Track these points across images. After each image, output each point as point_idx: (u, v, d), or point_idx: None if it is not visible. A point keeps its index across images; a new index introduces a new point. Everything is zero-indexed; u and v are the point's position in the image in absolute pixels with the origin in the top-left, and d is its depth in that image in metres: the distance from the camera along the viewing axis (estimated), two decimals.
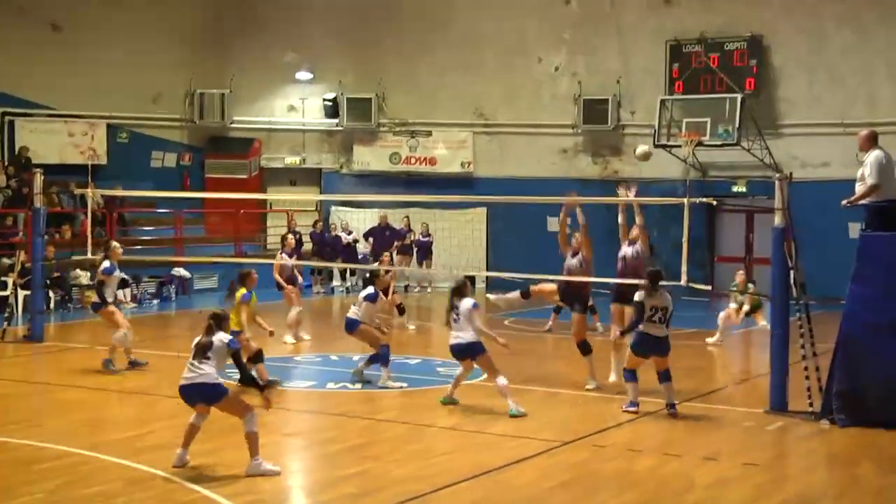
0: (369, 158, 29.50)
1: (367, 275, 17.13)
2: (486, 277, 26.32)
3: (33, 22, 25.69)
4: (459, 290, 11.83)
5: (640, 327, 11.77)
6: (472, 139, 28.91)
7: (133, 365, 14.28)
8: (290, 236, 20.09)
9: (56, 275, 21.45)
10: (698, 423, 11.65)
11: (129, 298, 22.63)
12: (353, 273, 26.66)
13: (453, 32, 28.49)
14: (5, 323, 17.72)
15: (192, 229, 27.40)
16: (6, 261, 21.46)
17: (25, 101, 26.17)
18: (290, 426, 11.35)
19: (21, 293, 19.78)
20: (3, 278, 20.54)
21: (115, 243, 15.30)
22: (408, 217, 27.07)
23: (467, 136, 29.00)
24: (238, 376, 9.59)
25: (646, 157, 15.95)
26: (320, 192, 29.56)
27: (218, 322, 9.39)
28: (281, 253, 18.15)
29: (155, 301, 23.45)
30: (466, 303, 11.74)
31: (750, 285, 19.12)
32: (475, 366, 12.05)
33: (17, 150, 25.60)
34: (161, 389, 13.16)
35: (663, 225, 26.36)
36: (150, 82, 27.89)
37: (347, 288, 26.81)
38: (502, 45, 28.29)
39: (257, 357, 12.68)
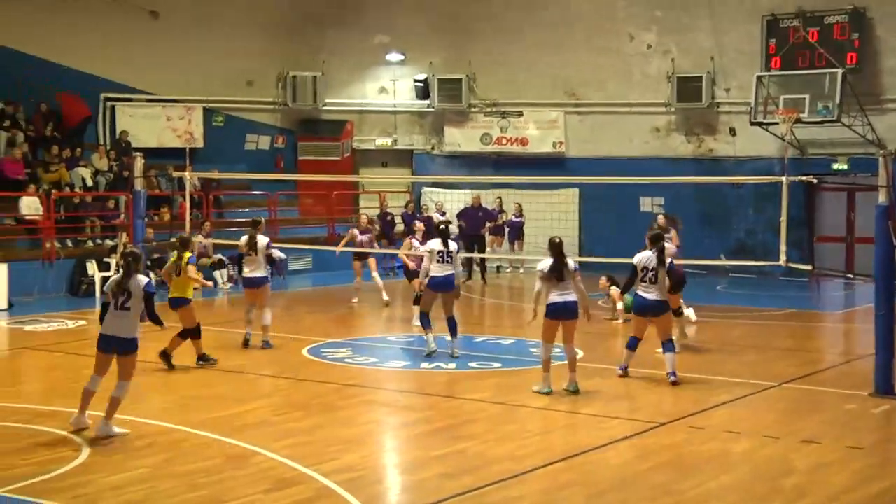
0: (460, 139, 29.50)
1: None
2: (578, 260, 26.24)
3: (133, 10, 26.24)
4: (563, 251, 11.72)
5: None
6: (564, 119, 28.70)
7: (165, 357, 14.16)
8: (364, 215, 20.88)
9: (156, 256, 21.89)
10: (798, 405, 11.43)
11: (226, 279, 23.01)
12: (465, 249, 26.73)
13: (544, 12, 28.27)
14: None
15: (285, 211, 27.77)
16: (109, 242, 22.02)
17: (125, 86, 26.79)
18: (385, 406, 11.44)
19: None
20: (106, 260, 21.06)
21: (195, 237, 15.56)
22: (500, 198, 27.01)
23: (558, 116, 28.80)
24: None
25: None
26: (411, 174, 29.68)
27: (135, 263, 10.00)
28: (411, 239, 18.41)
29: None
30: (571, 263, 11.70)
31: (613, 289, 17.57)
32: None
33: (117, 134, 26.23)
34: (258, 368, 13.41)
35: (759, 204, 25.97)
36: (245, 66, 28.31)
37: None
38: (593, 24, 28.01)
39: (198, 332, 12.98)
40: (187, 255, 13.11)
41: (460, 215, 25.74)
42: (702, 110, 26.99)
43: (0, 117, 23.55)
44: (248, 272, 14.95)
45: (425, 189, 29.26)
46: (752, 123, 25.17)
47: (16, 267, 19.45)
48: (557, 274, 11.55)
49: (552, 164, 28.10)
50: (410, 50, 29.52)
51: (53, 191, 21.96)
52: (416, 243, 17.96)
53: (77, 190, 23.03)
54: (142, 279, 9.86)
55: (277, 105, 29.34)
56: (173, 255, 13.38)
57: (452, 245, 14.05)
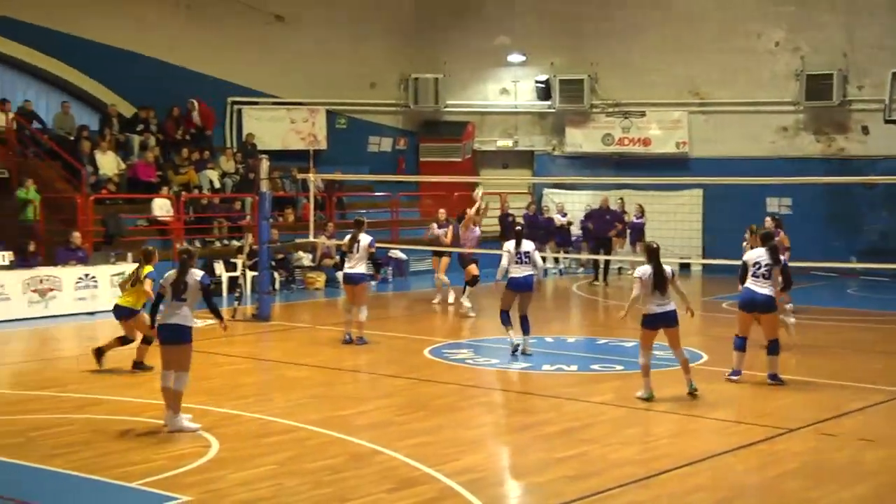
0: (581, 140, 29.27)
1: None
2: (703, 262, 25.86)
3: (259, 15, 26.80)
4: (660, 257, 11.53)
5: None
6: (687, 119, 28.24)
7: None
8: (442, 211, 21.02)
9: (280, 256, 22.32)
10: None
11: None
12: (566, 255, 26.55)
13: (668, 10, 27.88)
14: (236, 302, 18.65)
15: (407, 212, 27.97)
16: (235, 243, 22.52)
17: (251, 90, 27.36)
18: (506, 408, 11.40)
19: (249, 274, 20.67)
20: (233, 260, 21.54)
21: (321, 236, 15.75)
22: (622, 199, 26.70)
23: (682, 116, 28.34)
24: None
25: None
26: (532, 175, 29.58)
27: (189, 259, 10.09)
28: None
29: (373, 283, 24.01)
30: (668, 269, 11.49)
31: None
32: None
33: (244, 137, 26.81)
34: (379, 368, 13.52)
35: (893, 205, 25.09)
36: (367, 69, 28.64)
37: (560, 270, 26.71)
38: (719, 22, 27.47)
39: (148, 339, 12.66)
40: (148, 268, 12.76)
41: (588, 217, 25.48)
42: (832, 108, 26.24)
43: (133, 122, 24.32)
44: (347, 268, 15.14)
45: (546, 190, 29.13)
46: (887, 121, 24.34)
47: None
48: (656, 281, 11.28)
49: (675, 165, 27.67)
50: (531, 51, 29.42)
51: (183, 192, 22.57)
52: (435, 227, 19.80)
53: (205, 192, 23.62)
54: (197, 272, 10.16)
55: (399, 107, 29.60)
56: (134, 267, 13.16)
57: (528, 245, 14.13)
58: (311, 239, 19.99)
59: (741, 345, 12.33)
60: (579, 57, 28.70)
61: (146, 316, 12.15)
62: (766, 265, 12.06)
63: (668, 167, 27.33)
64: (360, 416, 10.61)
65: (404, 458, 8.89)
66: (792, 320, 15.11)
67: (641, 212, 26.52)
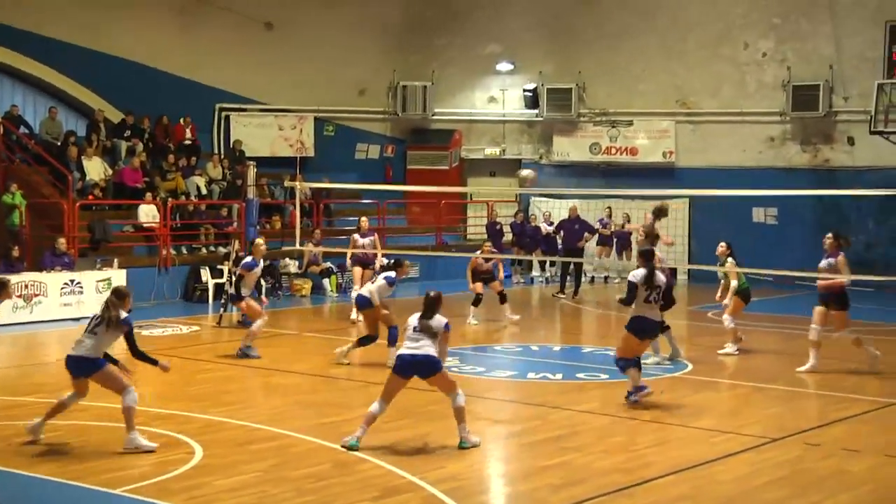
0: (569, 149, 29.35)
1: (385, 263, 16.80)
2: (689, 270, 25.92)
3: (247, 21, 26.81)
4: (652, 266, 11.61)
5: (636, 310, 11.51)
6: (675, 128, 28.34)
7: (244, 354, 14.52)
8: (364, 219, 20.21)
9: (267, 263, 22.26)
10: None
11: (333, 287, 23.25)
12: (552, 264, 26.56)
13: (655, 20, 28.00)
14: (222, 309, 18.64)
15: (394, 220, 27.99)
16: (222, 249, 22.49)
17: (239, 96, 27.37)
18: (491, 415, 11.41)
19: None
20: (219, 266, 21.51)
21: (259, 240, 15.57)
22: (609, 208, 26.77)
23: (669, 125, 28.45)
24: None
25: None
26: (520, 184, 29.58)
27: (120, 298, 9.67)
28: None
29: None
30: (661, 277, 11.68)
31: (729, 261, 15.42)
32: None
33: (231, 143, 26.80)
34: (365, 376, 13.50)
35: (881, 217, 25.21)
36: (356, 76, 28.67)
37: (547, 278, 26.75)
38: (707, 32, 27.62)
39: None
40: None
41: (558, 228, 25.46)
42: (818, 119, 26.38)
43: (121, 128, 24.29)
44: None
45: (534, 199, 29.16)
46: (873, 132, 24.48)
47: (133, 273, 19.98)
48: (648, 285, 11.38)
49: (662, 174, 27.75)
50: (520, 59, 29.50)
51: (170, 199, 22.53)
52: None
53: (192, 198, 23.59)
54: (122, 313, 9.62)
55: (388, 114, 29.63)
56: None
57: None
58: (298, 246, 19.99)
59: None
60: (567, 66, 28.78)
61: None
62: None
63: (655, 176, 27.40)
64: (346, 424, 10.57)
65: (389, 466, 8.89)
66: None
67: (627, 221, 26.60)
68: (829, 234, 13.90)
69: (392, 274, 14.26)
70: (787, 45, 26.87)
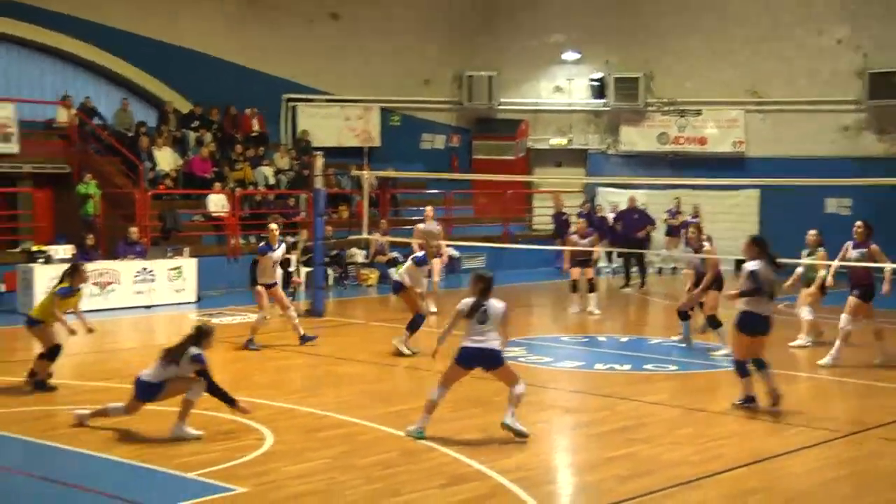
0: (636, 139, 29.13)
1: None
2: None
3: (315, 13, 27.00)
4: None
5: (746, 305, 10.76)
6: (744, 117, 27.96)
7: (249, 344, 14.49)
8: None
9: (334, 253, 22.44)
10: None
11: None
12: (619, 255, 26.36)
13: (725, 7, 27.63)
14: (290, 298, 18.76)
15: (460, 210, 28.01)
16: (290, 239, 22.66)
17: (306, 87, 27.58)
18: (559, 405, 11.37)
19: (303, 270, 20.81)
20: (287, 256, 21.66)
21: (272, 225, 15.23)
22: (678, 198, 26.49)
23: (739, 115, 28.09)
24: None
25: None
26: (586, 173, 29.46)
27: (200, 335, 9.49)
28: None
29: (425, 279, 24.02)
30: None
31: (820, 250, 14.89)
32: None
33: (298, 134, 27.01)
34: (432, 365, 13.51)
35: None
36: (422, 67, 28.72)
37: (614, 269, 26.56)
38: (778, 20, 27.19)
39: (53, 354, 11.69)
40: (63, 284, 11.94)
41: (617, 218, 25.23)
42: None
43: (189, 118, 24.61)
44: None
45: (600, 189, 28.99)
46: None
47: (203, 261, 20.27)
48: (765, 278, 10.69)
49: (731, 165, 27.43)
50: (586, 48, 29.32)
51: (238, 189, 22.77)
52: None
53: (260, 188, 23.82)
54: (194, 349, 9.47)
55: (453, 104, 29.64)
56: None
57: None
58: (365, 235, 20.09)
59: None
60: (635, 55, 28.53)
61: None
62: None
63: (724, 167, 27.09)
64: (413, 413, 10.60)
65: (456, 455, 8.91)
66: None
67: (696, 212, 26.27)
68: (859, 223, 13.58)
69: (420, 254, 14.37)
70: (863, 31, 26.35)
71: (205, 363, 9.41)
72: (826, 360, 13.27)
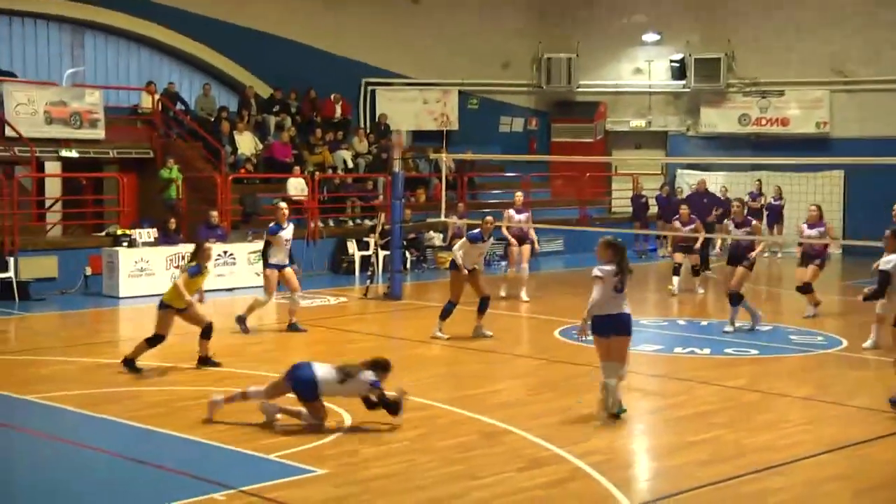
0: (717, 120, 28.72)
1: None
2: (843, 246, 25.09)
3: None
4: None
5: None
6: (829, 98, 27.39)
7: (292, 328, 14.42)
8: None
9: (412, 236, 22.53)
10: None
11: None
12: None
13: None
14: (368, 281, 18.96)
15: (538, 193, 27.90)
16: (368, 222, 22.84)
17: (385, 70, 27.69)
18: (638, 390, 11.30)
19: (381, 253, 20.93)
20: (365, 239, 21.85)
21: (282, 204, 15.08)
22: (759, 181, 26.10)
23: (823, 95, 27.53)
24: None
25: None
26: (666, 155, 29.15)
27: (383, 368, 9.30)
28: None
29: (503, 262, 24.03)
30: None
31: None
32: None
33: (377, 117, 27.14)
34: (509, 348, 13.55)
35: None
36: (500, 49, 28.64)
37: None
38: None
39: (207, 332, 12.03)
40: (192, 264, 12.23)
41: (684, 201, 24.77)
42: None
43: (269, 103, 24.88)
44: None
45: (680, 171, 28.66)
46: None
47: None
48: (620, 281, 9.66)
49: (815, 146, 26.85)
50: (666, 29, 28.96)
51: (317, 172, 22.98)
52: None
53: (339, 172, 24.00)
54: (368, 375, 9.26)
55: (531, 87, 29.52)
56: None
57: None
58: (443, 219, 20.13)
59: None
60: (715, 35, 28.11)
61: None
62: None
63: (807, 148, 26.52)
64: (490, 396, 10.67)
65: (534, 438, 8.91)
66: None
67: (779, 193, 25.88)
68: None
69: (476, 231, 14.16)
70: None
71: (381, 389, 9.24)
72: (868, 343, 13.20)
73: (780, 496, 7.54)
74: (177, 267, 11.96)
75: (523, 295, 17.51)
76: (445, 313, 13.96)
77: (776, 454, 8.52)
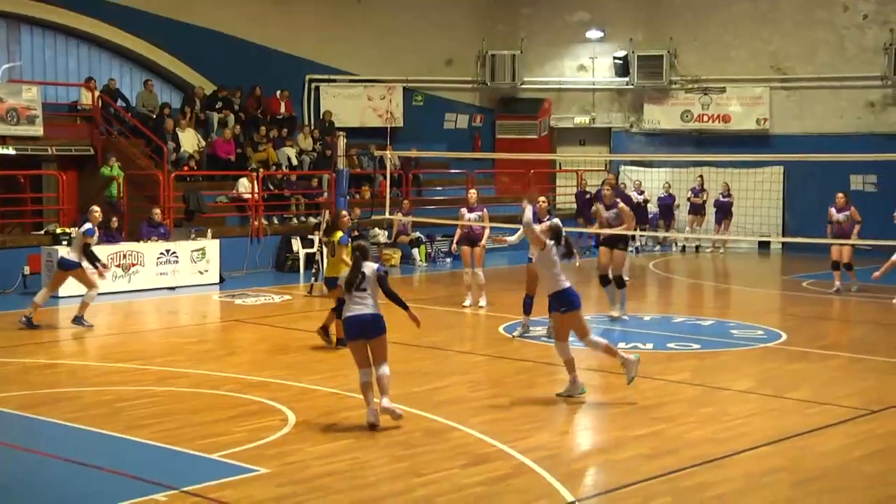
0: (660, 117, 28.96)
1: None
2: (782, 242, 25.48)
3: None
4: None
5: None
6: (769, 95, 27.74)
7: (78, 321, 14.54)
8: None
9: (356, 233, 22.42)
10: None
11: (422, 257, 23.34)
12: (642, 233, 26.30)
13: None
14: (313, 278, 18.87)
15: (483, 189, 27.89)
16: (312, 220, 22.73)
17: (329, 67, 27.55)
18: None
19: (325, 250, 20.82)
20: (310, 236, 21.74)
21: (94, 207, 15.25)
22: (701, 176, 26.40)
23: (763, 92, 27.87)
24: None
25: None
26: (609, 152, 29.35)
27: (363, 254, 9.46)
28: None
29: (448, 259, 24.05)
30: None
31: None
32: None
33: (321, 114, 27.01)
34: (453, 345, 13.57)
35: None
36: (444, 46, 28.65)
37: (637, 248, 26.47)
38: None
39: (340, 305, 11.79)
40: (338, 234, 12.91)
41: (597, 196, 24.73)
42: None
43: (213, 100, 24.65)
44: None
45: (623, 167, 28.88)
46: None
47: (226, 243, 20.35)
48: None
49: (755, 142, 27.23)
50: (610, 26, 29.15)
51: (261, 170, 22.82)
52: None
53: (283, 169, 23.85)
54: (372, 264, 9.46)
55: (476, 84, 29.55)
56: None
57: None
58: (388, 216, 20.09)
59: None
60: (658, 33, 28.36)
61: None
62: None
63: (748, 144, 26.92)
64: (435, 393, 10.67)
65: (478, 434, 8.93)
66: None
67: (727, 190, 26.26)
68: None
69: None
70: (889, 6, 26.07)
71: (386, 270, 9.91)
72: None
73: (721, 489, 7.62)
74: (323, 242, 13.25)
75: (482, 301, 17.08)
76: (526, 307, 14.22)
77: (717, 447, 8.61)
